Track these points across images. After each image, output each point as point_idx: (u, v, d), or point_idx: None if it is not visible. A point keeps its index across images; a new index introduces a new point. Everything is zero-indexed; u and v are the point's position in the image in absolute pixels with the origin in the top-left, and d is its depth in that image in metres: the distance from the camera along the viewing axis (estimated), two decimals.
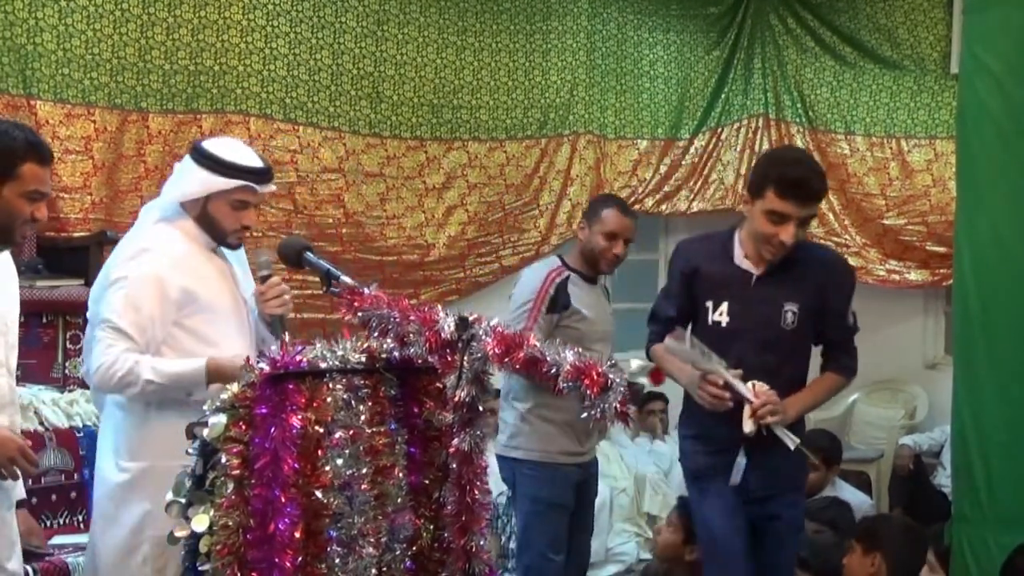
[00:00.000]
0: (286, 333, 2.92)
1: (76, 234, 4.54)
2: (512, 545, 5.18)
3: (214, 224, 3.00)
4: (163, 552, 2.79)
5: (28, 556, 3.13)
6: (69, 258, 4.40)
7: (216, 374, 2.81)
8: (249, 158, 3.01)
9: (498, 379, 4.22)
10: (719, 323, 3.30)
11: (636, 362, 4.56)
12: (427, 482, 2.42)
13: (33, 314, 4.01)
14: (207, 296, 2.96)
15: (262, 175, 3.00)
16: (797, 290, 3.30)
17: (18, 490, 2.86)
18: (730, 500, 3.30)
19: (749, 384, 3.18)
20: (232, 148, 3.04)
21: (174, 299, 2.91)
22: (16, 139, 2.57)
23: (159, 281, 2.89)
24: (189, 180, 2.97)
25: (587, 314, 4.08)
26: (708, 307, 3.32)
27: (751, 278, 3.31)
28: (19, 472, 2.63)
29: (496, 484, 5.05)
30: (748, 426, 3.16)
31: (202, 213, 2.99)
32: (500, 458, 4.14)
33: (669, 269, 3.55)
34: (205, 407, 2.28)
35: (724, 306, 3.30)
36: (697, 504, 3.46)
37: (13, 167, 2.55)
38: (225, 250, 3.07)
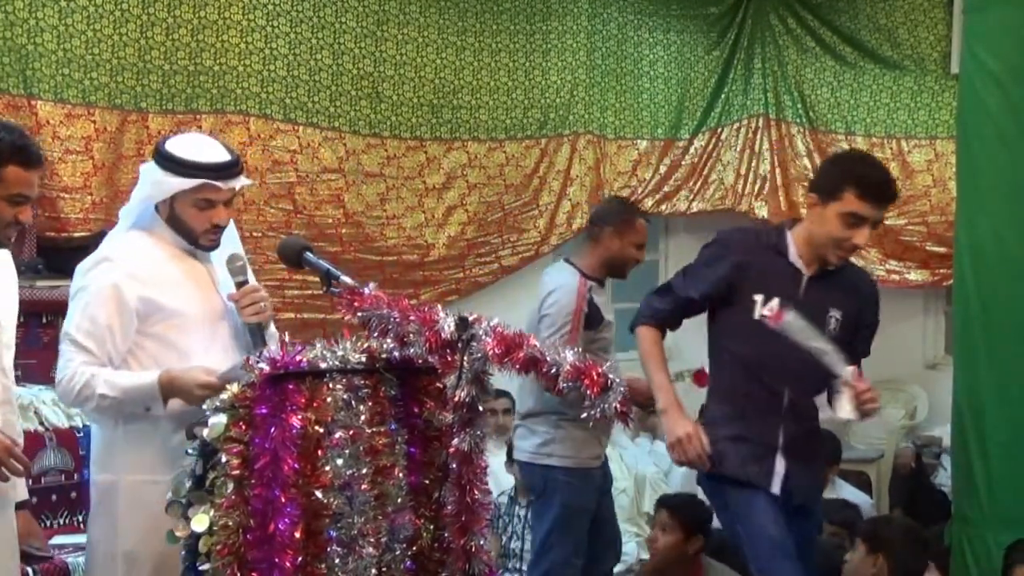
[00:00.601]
0: (270, 341, 2.80)
1: (76, 234, 4.53)
2: (513, 545, 5.19)
3: (183, 225, 2.87)
4: (135, 566, 2.78)
5: (28, 558, 3.12)
6: (69, 258, 4.37)
7: (169, 388, 2.69)
8: (209, 154, 2.84)
9: (514, 384, 4.32)
10: (767, 318, 3.18)
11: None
12: (427, 482, 2.42)
13: (33, 314, 4.00)
14: (174, 303, 2.82)
15: (223, 170, 2.82)
16: (843, 298, 3.25)
17: (19, 491, 2.86)
18: (777, 507, 3.19)
19: (850, 369, 3.08)
20: (192, 145, 2.88)
21: (133, 309, 2.79)
22: (1, 140, 2.52)
23: (116, 291, 2.79)
24: (150, 182, 2.86)
25: (611, 320, 4.22)
26: (757, 300, 3.19)
27: (802, 278, 3.24)
28: (8, 474, 2.59)
29: (496, 484, 5.08)
30: (847, 412, 3.08)
31: (171, 215, 2.87)
32: (528, 465, 4.22)
33: (710, 253, 3.34)
34: (205, 407, 2.28)
35: (774, 302, 3.17)
36: (741, 512, 3.24)
37: None
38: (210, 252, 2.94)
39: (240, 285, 2.88)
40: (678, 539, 4.19)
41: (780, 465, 3.17)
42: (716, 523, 3.88)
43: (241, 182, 2.89)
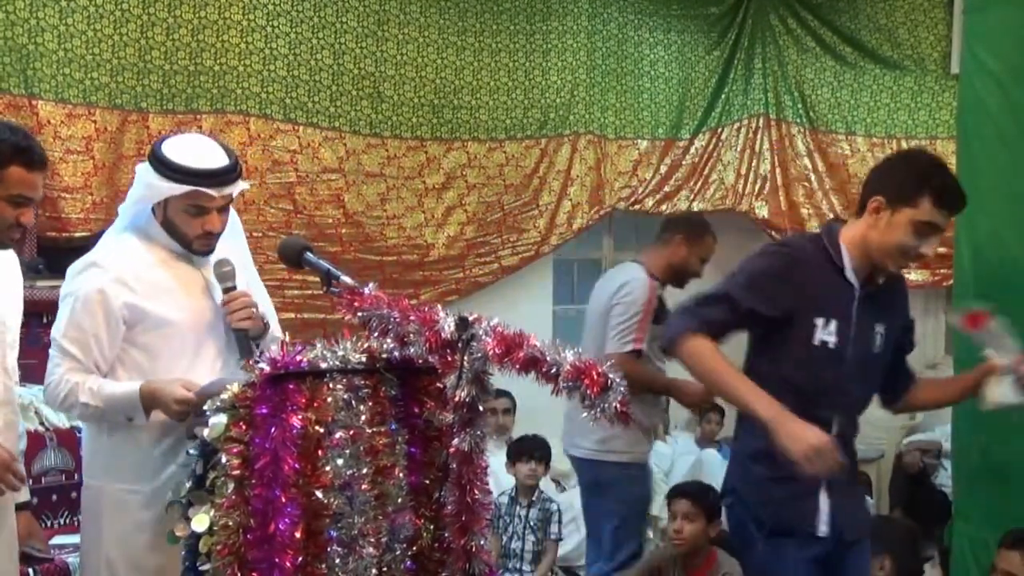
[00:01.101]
0: (272, 344, 2.73)
1: (77, 234, 4.53)
2: (514, 545, 5.19)
3: (176, 230, 2.81)
4: (115, 574, 2.78)
5: (29, 559, 3.12)
6: (69, 258, 4.32)
7: (150, 400, 2.65)
8: (203, 159, 2.75)
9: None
10: (826, 343, 2.89)
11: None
12: (427, 482, 2.41)
13: (33, 314, 3.99)
14: (161, 310, 2.77)
15: (215, 177, 2.74)
16: (885, 312, 3.01)
17: (21, 492, 2.86)
18: (812, 552, 2.91)
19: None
20: (187, 149, 2.78)
21: (118, 316, 2.74)
22: (4, 141, 2.50)
23: (103, 297, 2.74)
24: (144, 184, 2.79)
25: None
26: (817, 324, 2.89)
27: (855, 296, 2.95)
28: (5, 488, 2.57)
29: (496, 484, 5.09)
30: (1012, 396, 2.96)
31: (165, 218, 2.81)
32: (587, 461, 4.44)
33: (775, 264, 2.97)
34: (205, 407, 2.28)
35: (833, 325, 2.90)
36: (770, 567, 2.96)
37: None
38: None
39: (227, 291, 2.82)
40: (703, 526, 4.20)
41: (825, 503, 2.89)
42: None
43: (236, 188, 2.81)
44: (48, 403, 2.89)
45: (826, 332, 2.89)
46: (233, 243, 2.95)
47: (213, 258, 2.87)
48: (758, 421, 2.75)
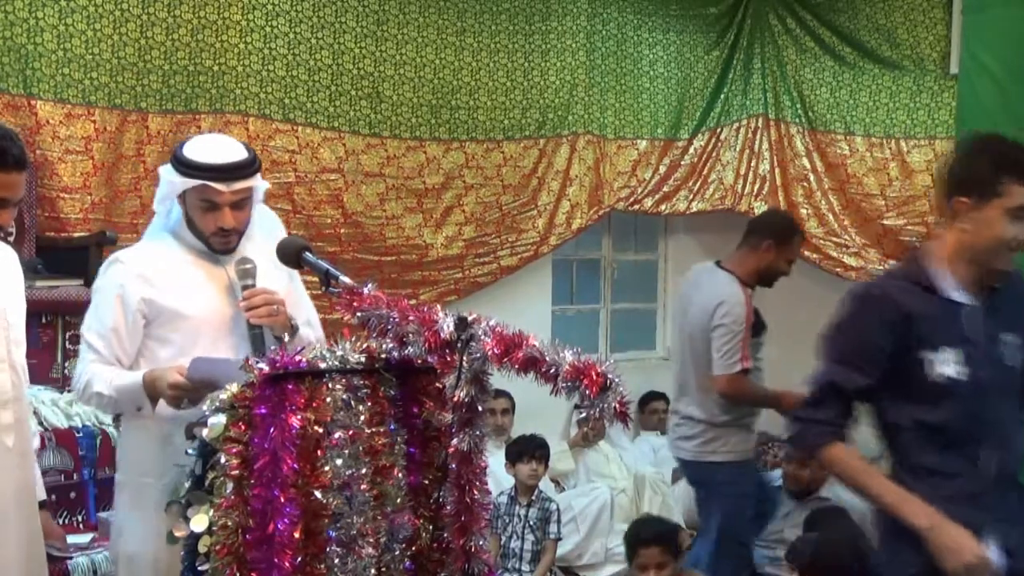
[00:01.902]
0: (277, 345, 2.70)
1: (76, 234, 4.54)
2: (513, 545, 5.20)
3: (195, 227, 2.85)
4: (132, 567, 2.80)
5: (48, 558, 3.10)
6: (69, 258, 4.40)
7: (151, 387, 2.70)
8: (212, 155, 2.79)
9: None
10: (946, 375, 2.61)
11: None
12: (426, 482, 2.41)
13: (33, 314, 3.97)
14: (177, 306, 2.81)
15: (222, 171, 2.77)
16: (1010, 317, 2.69)
17: (39, 490, 2.86)
18: None
19: None
20: (202, 146, 2.84)
21: (136, 310, 2.80)
22: None
23: (121, 292, 2.81)
24: (164, 182, 2.85)
25: (767, 324, 4.61)
26: (929, 358, 2.61)
27: (961, 312, 2.65)
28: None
29: (495, 484, 5.09)
30: None
31: (187, 216, 2.86)
32: (693, 463, 4.55)
33: (858, 320, 2.71)
34: (204, 407, 2.28)
35: (948, 353, 2.61)
36: None
37: None
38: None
39: (246, 288, 2.82)
40: (673, 568, 4.24)
41: (994, 551, 2.56)
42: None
43: (246, 184, 2.82)
44: (74, 395, 2.96)
45: (942, 363, 2.61)
46: (268, 244, 2.92)
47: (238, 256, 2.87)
48: (913, 528, 2.56)
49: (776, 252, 4.47)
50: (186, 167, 2.78)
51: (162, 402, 2.69)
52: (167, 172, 2.83)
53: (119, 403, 2.79)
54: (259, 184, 2.89)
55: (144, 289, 2.81)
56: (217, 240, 2.85)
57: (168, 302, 2.81)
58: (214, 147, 2.84)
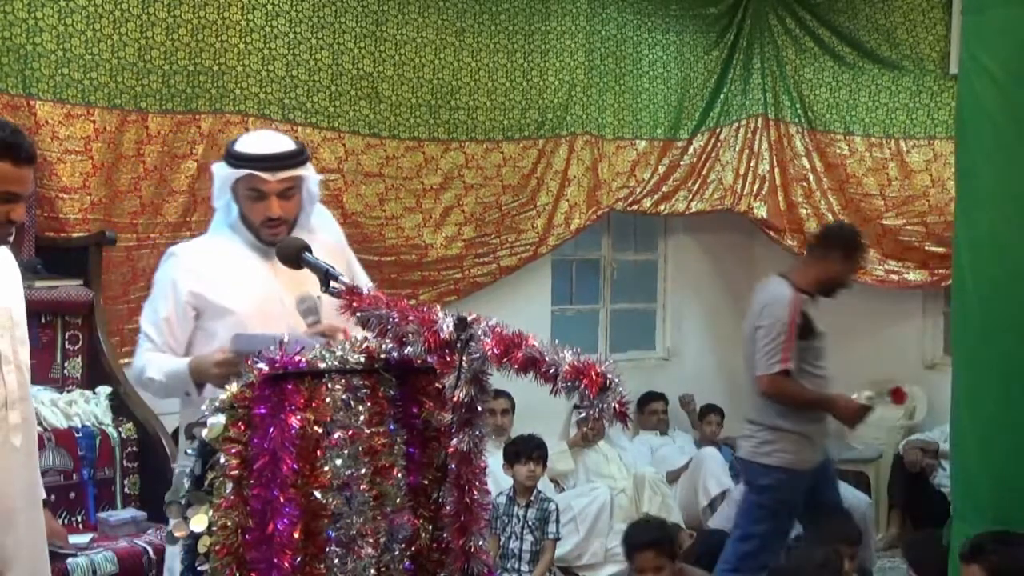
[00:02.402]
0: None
1: (75, 234, 4.53)
2: (512, 545, 5.20)
3: (246, 219, 2.98)
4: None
5: (52, 556, 3.09)
6: (68, 258, 4.40)
7: (197, 372, 2.84)
8: (258, 146, 2.94)
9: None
10: None
11: (866, 393, 4.84)
12: (426, 482, 2.41)
13: (32, 314, 3.97)
14: (223, 300, 2.94)
15: (267, 161, 2.89)
16: None
17: (39, 489, 2.86)
18: None
19: None
20: (251, 139, 3.02)
21: (185, 302, 2.96)
22: None
23: (173, 285, 2.97)
24: (216, 177, 3.00)
25: (823, 330, 4.57)
26: None
27: None
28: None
29: (495, 484, 5.10)
30: None
31: (240, 210, 2.99)
32: (748, 462, 4.65)
33: None
34: (204, 407, 2.28)
35: None
36: None
37: None
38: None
39: (312, 325, 2.78)
40: (671, 568, 4.23)
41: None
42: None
43: (292, 173, 2.91)
44: (135, 384, 3.17)
45: None
46: (324, 240, 2.97)
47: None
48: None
49: (843, 263, 4.60)
50: (234, 158, 2.93)
51: (209, 386, 2.79)
52: (218, 168, 2.97)
53: (170, 388, 2.95)
54: (308, 174, 2.98)
55: (194, 283, 2.95)
56: (267, 231, 2.94)
57: (215, 296, 2.95)
58: (262, 139, 3.00)
